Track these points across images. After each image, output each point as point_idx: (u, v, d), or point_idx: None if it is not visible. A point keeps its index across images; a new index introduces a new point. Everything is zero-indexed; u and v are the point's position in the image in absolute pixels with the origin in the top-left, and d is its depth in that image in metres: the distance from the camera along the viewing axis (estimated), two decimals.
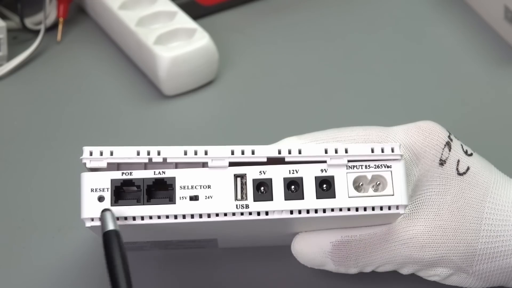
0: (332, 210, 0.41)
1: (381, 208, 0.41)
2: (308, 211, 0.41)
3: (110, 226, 0.39)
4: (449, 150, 0.45)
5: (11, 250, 0.52)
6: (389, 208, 0.41)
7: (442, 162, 0.45)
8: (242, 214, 0.41)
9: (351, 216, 0.41)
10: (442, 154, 0.45)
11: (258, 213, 0.41)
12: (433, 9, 0.72)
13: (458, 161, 0.45)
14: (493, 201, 0.44)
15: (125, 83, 0.65)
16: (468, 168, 0.45)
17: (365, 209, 0.41)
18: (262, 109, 0.63)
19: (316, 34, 0.70)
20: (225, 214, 0.40)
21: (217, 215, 0.41)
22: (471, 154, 0.46)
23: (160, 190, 0.41)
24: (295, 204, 0.41)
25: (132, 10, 0.67)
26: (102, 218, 0.40)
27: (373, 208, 0.41)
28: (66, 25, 0.71)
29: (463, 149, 0.45)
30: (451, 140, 0.45)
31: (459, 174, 0.45)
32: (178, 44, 0.64)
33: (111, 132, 0.61)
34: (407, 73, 0.66)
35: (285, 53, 0.68)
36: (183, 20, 0.66)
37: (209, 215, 0.40)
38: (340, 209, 0.41)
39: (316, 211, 0.41)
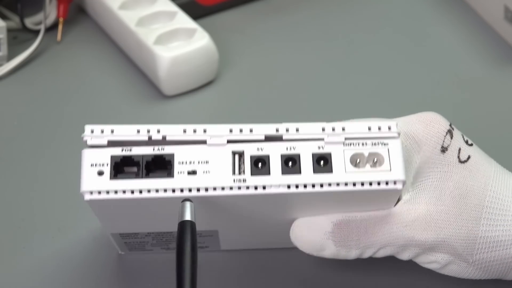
0: (330, 185, 0.41)
1: (379, 183, 0.41)
2: (305, 186, 0.41)
3: (187, 217, 0.40)
4: (451, 138, 0.45)
5: (11, 250, 0.52)
6: (387, 183, 0.41)
7: (443, 149, 0.45)
8: (239, 188, 0.41)
9: (349, 192, 0.41)
10: (443, 141, 0.45)
11: (256, 188, 0.41)
12: (433, 9, 0.72)
13: (459, 149, 0.45)
14: (494, 190, 0.44)
15: (125, 83, 0.65)
16: (469, 157, 0.45)
17: (362, 184, 0.41)
18: (262, 109, 0.63)
19: (316, 34, 0.70)
20: (223, 188, 0.41)
21: (214, 189, 0.41)
22: (471, 145, 0.46)
23: (159, 168, 0.41)
24: (292, 179, 0.41)
25: (132, 10, 0.67)
26: (182, 207, 0.41)
27: (370, 183, 0.41)
28: (66, 25, 0.71)
29: (463, 139, 0.46)
30: (452, 129, 0.45)
31: (461, 162, 0.45)
32: (178, 44, 0.64)
33: None
34: (407, 73, 0.66)
35: (285, 53, 0.68)
36: (183, 20, 0.66)
37: (206, 189, 0.41)
38: (338, 184, 0.41)
39: (313, 185, 0.41)
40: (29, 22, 0.70)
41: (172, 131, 0.42)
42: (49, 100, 0.64)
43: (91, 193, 0.41)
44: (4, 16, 0.70)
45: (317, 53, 0.68)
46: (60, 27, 0.70)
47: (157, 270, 0.50)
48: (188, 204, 0.41)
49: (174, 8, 0.67)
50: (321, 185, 0.41)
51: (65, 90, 0.65)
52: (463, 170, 0.45)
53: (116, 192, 0.41)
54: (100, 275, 0.50)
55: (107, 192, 0.41)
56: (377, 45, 0.69)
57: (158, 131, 0.41)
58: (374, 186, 0.41)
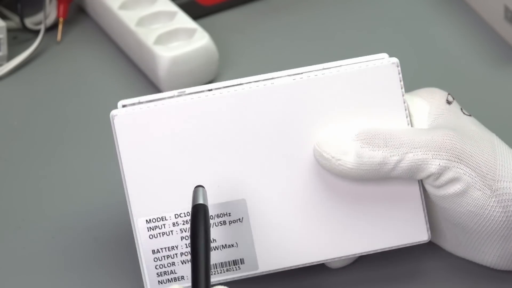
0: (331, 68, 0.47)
1: (375, 63, 0.46)
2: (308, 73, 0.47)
3: (200, 200, 0.42)
4: (453, 98, 0.49)
5: (11, 250, 0.52)
6: (382, 62, 0.46)
7: (448, 102, 0.48)
8: (249, 83, 0.46)
9: (349, 74, 0.46)
10: (447, 97, 0.48)
11: (264, 80, 0.47)
12: (433, 9, 0.72)
13: (461, 108, 0.48)
14: (498, 144, 0.46)
15: (125, 83, 0.65)
16: (470, 115, 0.48)
17: (360, 65, 0.46)
18: None
19: (316, 34, 0.70)
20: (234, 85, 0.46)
21: (227, 87, 0.46)
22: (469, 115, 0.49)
23: None
24: (295, 74, 0.48)
25: (132, 10, 0.67)
26: (194, 193, 0.43)
27: (367, 65, 0.46)
28: (66, 25, 0.71)
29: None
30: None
31: (465, 114, 0.48)
32: (178, 44, 0.64)
33: (111, 132, 0.61)
34: (407, 73, 0.66)
35: (285, 53, 0.68)
36: (183, 20, 0.66)
37: (221, 93, 0.46)
38: (339, 66, 0.47)
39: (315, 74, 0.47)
40: (29, 22, 0.70)
41: (192, 88, 0.48)
42: (49, 100, 0.64)
43: (123, 106, 0.46)
44: (4, 16, 0.70)
45: (317, 53, 0.68)
46: (60, 27, 0.70)
47: None
48: (200, 190, 0.43)
49: (174, 8, 0.67)
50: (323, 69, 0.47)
51: (65, 90, 0.65)
52: (469, 120, 0.47)
53: (142, 102, 0.46)
54: (100, 274, 0.50)
55: (136, 103, 0.46)
56: (377, 45, 0.69)
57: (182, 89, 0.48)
58: (371, 65, 0.46)
